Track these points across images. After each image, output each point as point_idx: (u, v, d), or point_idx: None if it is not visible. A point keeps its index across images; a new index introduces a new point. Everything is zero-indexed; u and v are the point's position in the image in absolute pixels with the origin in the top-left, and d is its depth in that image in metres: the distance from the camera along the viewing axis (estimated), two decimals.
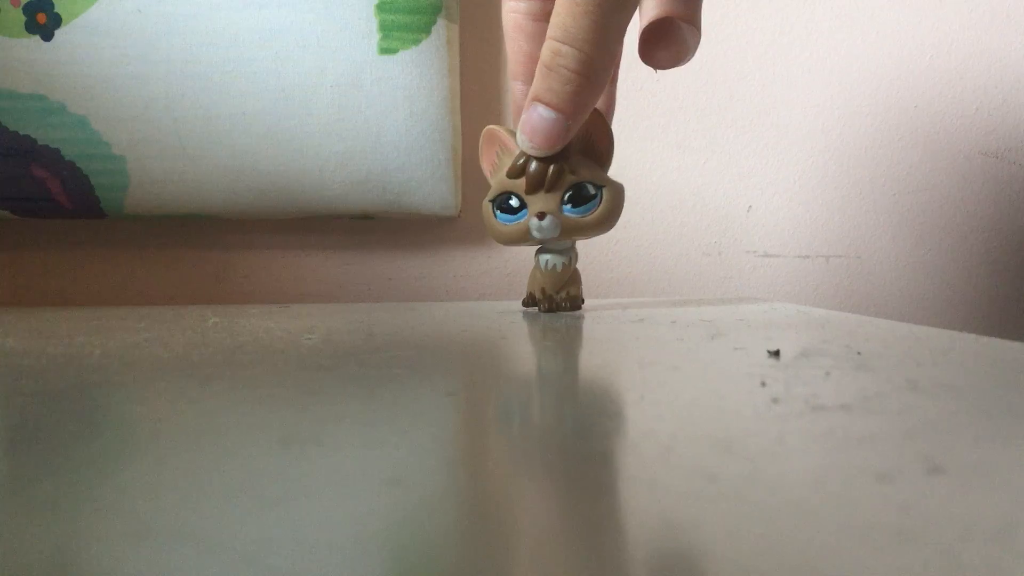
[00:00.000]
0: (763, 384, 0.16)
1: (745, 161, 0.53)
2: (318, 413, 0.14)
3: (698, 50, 0.30)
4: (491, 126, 0.31)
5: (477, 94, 0.50)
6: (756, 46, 0.52)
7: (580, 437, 0.12)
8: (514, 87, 0.31)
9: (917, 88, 0.54)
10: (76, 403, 0.15)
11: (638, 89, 0.51)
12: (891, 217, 0.54)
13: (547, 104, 0.26)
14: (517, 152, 0.29)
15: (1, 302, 0.47)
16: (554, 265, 0.31)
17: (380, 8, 0.43)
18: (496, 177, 0.31)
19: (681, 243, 0.52)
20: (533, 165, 0.29)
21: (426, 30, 0.44)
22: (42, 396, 0.16)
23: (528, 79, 0.29)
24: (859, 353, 0.20)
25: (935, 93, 0.54)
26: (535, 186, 0.29)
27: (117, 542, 0.08)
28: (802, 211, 0.53)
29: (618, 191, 0.30)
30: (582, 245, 0.32)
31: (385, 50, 0.43)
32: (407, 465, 0.11)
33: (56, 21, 0.41)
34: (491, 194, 0.31)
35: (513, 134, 0.30)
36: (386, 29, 0.43)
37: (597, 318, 0.30)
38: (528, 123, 0.27)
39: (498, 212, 0.30)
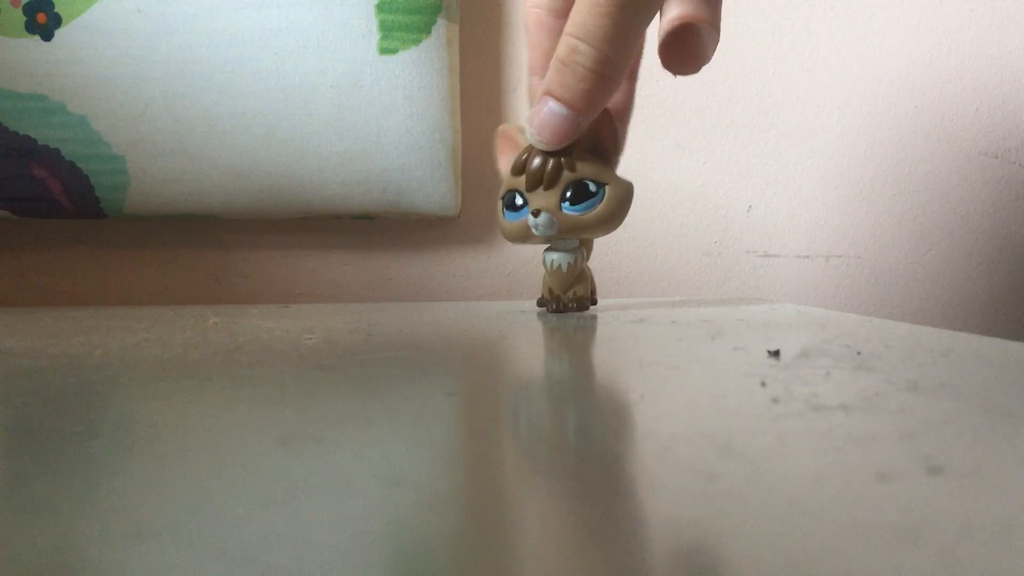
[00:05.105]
0: (763, 384, 0.16)
1: (745, 161, 0.53)
2: (318, 413, 0.14)
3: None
4: (504, 125, 0.31)
5: (477, 94, 0.50)
6: (756, 46, 0.52)
7: (580, 437, 0.12)
8: (532, 82, 0.31)
9: (917, 88, 0.54)
10: (76, 403, 0.15)
11: (638, 89, 0.51)
12: (891, 217, 0.54)
13: (559, 99, 0.26)
14: (522, 148, 0.29)
15: (1, 302, 0.47)
16: (559, 265, 0.31)
17: (380, 8, 0.43)
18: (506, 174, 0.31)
19: (681, 243, 0.52)
20: (534, 162, 0.29)
21: (426, 30, 0.44)
22: (42, 396, 0.16)
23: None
24: (859, 353, 0.20)
25: (935, 93, 0.54)
26: (533, 183, 0.29)
27: (117, 542, 0.08)
28: (802, 211, 0.53)
29: (623, 190, 0.30)
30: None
31: (385, 50, 0.43)
32: (407, 465, 0.11)
33: (56, 21, 0.41)
34: (501, 191, 0.31)
35: (523, 131, 0.30)
36: (386, 29, 0.43)
37: (597, 318, 0.30)
38: (538, 116, 0.27)
39: (505, 209, 0.30)
